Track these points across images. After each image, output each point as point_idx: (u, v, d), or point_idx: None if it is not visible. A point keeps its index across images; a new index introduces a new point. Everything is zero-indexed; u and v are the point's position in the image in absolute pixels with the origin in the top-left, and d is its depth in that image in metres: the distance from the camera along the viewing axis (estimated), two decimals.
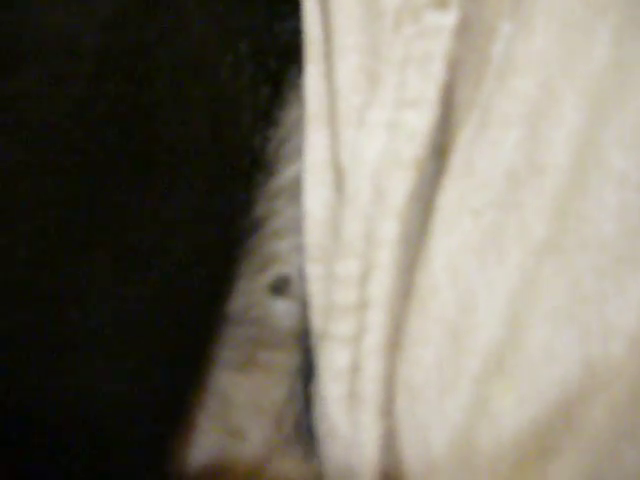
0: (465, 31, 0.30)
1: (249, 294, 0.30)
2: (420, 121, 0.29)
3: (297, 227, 0.31)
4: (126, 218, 0.26)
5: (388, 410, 0.28)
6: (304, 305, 0.30)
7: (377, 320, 0.28)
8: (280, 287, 0.31)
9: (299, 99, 0.33)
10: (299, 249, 0.31)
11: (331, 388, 0.29)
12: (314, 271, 0.30)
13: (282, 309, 0.31)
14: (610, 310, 0.25)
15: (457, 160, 0.29)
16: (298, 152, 0.32)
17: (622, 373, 0.24)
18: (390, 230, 0.28)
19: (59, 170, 0.25)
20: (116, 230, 0.26)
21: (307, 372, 0.30)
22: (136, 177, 0.27)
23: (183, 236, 0.27)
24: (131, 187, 0.27)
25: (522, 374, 0.25)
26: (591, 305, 0.25)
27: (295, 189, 0.32)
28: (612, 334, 0.24)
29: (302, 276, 0.30)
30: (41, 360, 0.25)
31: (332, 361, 0.29)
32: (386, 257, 0.28)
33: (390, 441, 0.28)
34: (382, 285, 0.28)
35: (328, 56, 0.33)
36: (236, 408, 0.30)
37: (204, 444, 0.30)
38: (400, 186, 0.28)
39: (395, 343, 0.28)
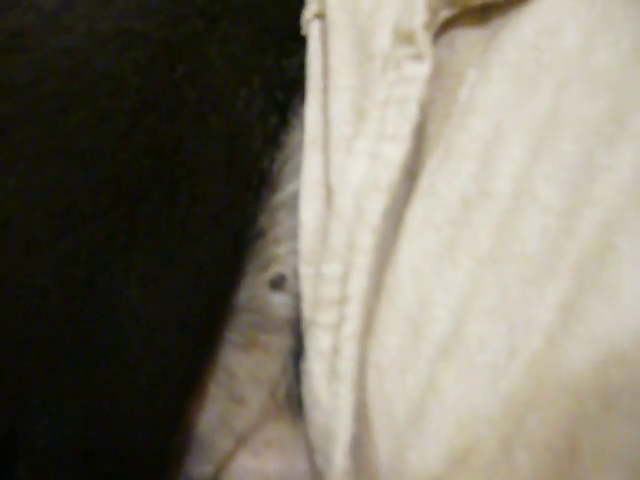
0: (437, 77, 0.36)
1: (252, 288, 0.37)
2: (396, 153, 0.35)
3: (294, 235, 0.37)
4: (158, 228, 0.32)
5: (361, 385, 0.34)
6: (297, 298, 0.36)
7: (354, 312, 0.34)
8: (278, 283, 0.37)
9: (301, 124, 0.39)
10: (295, 253, 0.37)
11: (315, 366, 0.34)
12: (306, 271, 0.36)
13: (279, 301, 0.37)
14: (531, 310, 0.30)
15: (424, 183, 0.34)
16: (297, 171, 0.38)
17: (539, 360, 0.30)
18: (367, 240, 0.34)
19: (108, 191, 0.31)
20: (150, 237, 0.32)
21: (298, 353, 0.36)
22: (165, 197, 0.33)
23: (203, 243, 0.33)
24: (161, 205, 0.33)
25: (461, 358, 0.31)
26: (517, 306, 0.31)
27: (294, 203, 0.37)
28: (532, 329, 0.30)
29: (296, 275, 0.36)
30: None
31: (317, 344, 0.34)
32: (363, 262, 0.34)
33: (362, 411, 0.33)
34: (359, 284, 0.34)
35: (326, 90, 0.38)
36: (239, 380, 0.37)
37: (213, 408, 0.36)
38: (376, 206, 0.34)
39: (368, 331, 0.33)
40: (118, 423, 0.31)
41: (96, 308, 0.30)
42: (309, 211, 0.36)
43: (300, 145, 0.38)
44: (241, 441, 0.37)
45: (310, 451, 0.36)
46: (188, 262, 0.33)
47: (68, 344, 0.30)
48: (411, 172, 0.35)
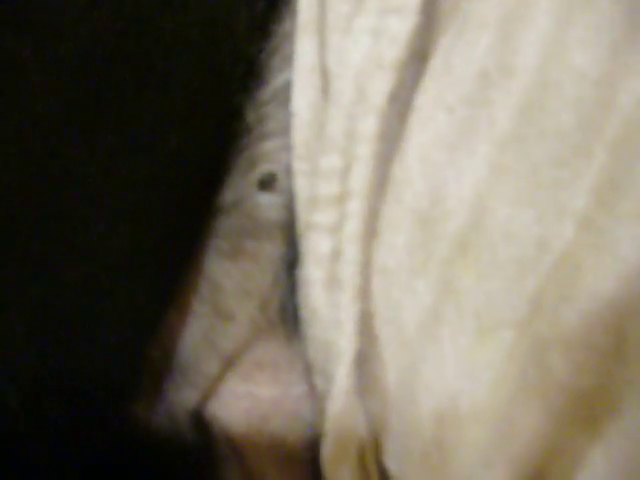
0: None
1: (239, 189, 0.32)
2: (402, 26, 0.30)
3: (285, 129, 0.33)
4: (126, 108, 0.28)
5: (365, 293, 0.30)
6: (289, 199, 0.32)
7: (356, 210, 0.30)
8: (267, 182, 0.32)
9: (292, 13, 0.35)
10: (286, 149, 0.33)
11: (313, 272, 0.30)
12: (300, 167, 0.32)
13: (268, 203, 0.32)
14: (564, 195, 0.26)
15: (436, 62, 0.30)
16: (288, 61, 0.33)
17: (570, 252, 0.26)
18: (370, 126, 0.30)
19: (71, 66, 0.27)
20: (117, 117, 0.28)
21: (291, 260, 0.32)
22: (135, 74, 0.29)
23: (178, 128, 0.29)
24: (131, 83, 0.28)
25: (483, 253, 0.27)
26: (548, 190, 0.26)
27: (284, 96, 0.33)
28: (565, 217, 0.26)
29: (288, 172, 0.32)
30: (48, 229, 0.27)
31: (314, 248, 0.31)
32: (365, 151, 0.30)
33: (366, 321, 0.30)
34: (361, 177, 0.30)
35: None
36: (225, 293, 0.32)
37: (196, 325, 0.32)
38: (381, 86, 0.30)
39: (372, 231, 0.30)
40: (75, 327, 0.26)
41: (54, 187, 0.25)
42: (303, 100, 0.32)
43: (290, 35, 0.34)
44: (229, 363, 0.32)
45: (308, 372, 0.32)
46: (162, 152, 0.28)
47: (23, 228, 0.25)
48: (421, 52, 0.31)
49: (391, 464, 0.29)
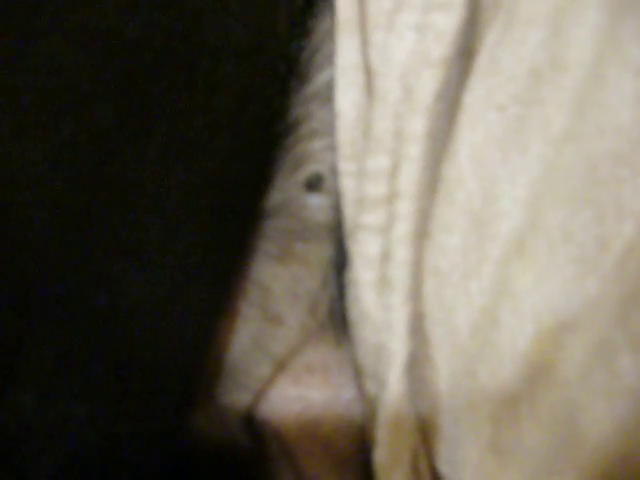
0: None
1: (285, 190, 0.32)
2: (448, 22, 0.30)
3: (329, 128, 0.32)
4: (175, 109, 0.28)
5: (416, 294, 0.29)
6: (336, 200, 0.32)
7: (406, 210, 0.29)
8: (314, 183, 0.32)
9: (331, 9, 0.34)
10: (331, 148, 0.32)
11: (363, 274, 0.30)
12: (346, 167, 0.31)
13: (316, 204, 0.32)
14: (625, 193, 0.26)
15: (483, 59, 0.29)
16: (329, 59, 0.33)
17: (634, 249, 0.25)
18: (419, 125, 0.29)
19: (118, 69, 0.26)
20: (167, 119, 0.27)
21: (340, 263, 0.32)
22: (182, 75, 0.28)
23: (227, 129, 0.29)
24: (178, 84, 0.28)
25: (541, 254, 0.26)
26: (607, 188, 0.26)
27: (327, 94, 0.33)
28: (625, 215, 0.25)
29: (334, 173, 0.32)
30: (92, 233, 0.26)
31: (364, 249, 0.30)
32: (415, 151, 0.29)
33: (418, 324, 0.29)
34: (411, 177, 0.29)
35: None
36: (274, 296, 0.32)
37: (245, 329, 0.32)
38: (428, 84, 0.29)
39: (423, 232, 0.29)
40: (140, 336, 0.26)
41: (106, 198, 0.25)
42: (347, 100, 0.32)
43: (330, 32, 0.33)
44: (279, 366, 0.32)
45: (358, 376, 0.32)
46: (213, 154, 0.28)
47: (76, 240, 0.25)
48: (466, 49, 0.30)
49: (445, 469, 0.29)
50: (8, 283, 0.25)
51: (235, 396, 0.32)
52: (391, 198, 0.30)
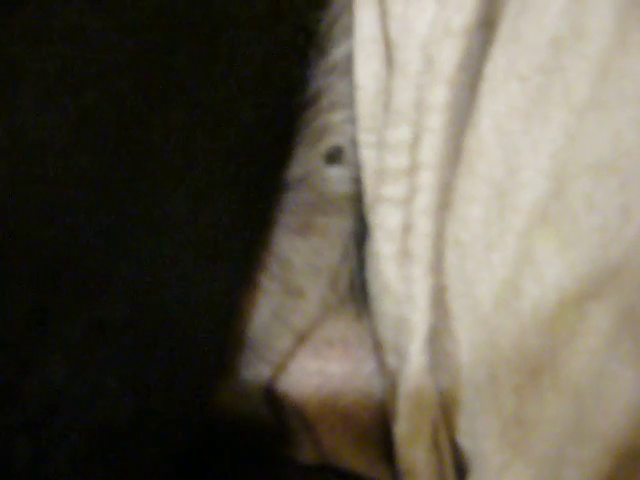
0: None
1: (306, 163, 0.32)
2: None
3: (349, 101, 0.32)
4: (196, 80, 0.27)
5: (438, 266, 0.29)
6: (357, 172, 0.32)
7: (428, 181, 0.29)
8: (334, 155, 0.32)
9: None
10: (351, 121, 0.32)
11: (384, 246, 0.30)
12: (366, 139, 0.31)
13: (336, 176, 0.32)
14: None
15: (504, 30, 0.29)
16: (347, 32, 0.33)
17: None
18: (440, 95, 0.29)
19: (134, 38, 0.26)
20: (189, 90, 0.27)
21: (361, 235, 0.32)
22: (203, 47, 0.28)
23: (246, 102, 0.29)
24: (199, 54, 0.28)
25: (564, 223, 0.26)
26: (631, 156, 0.25)
27: (346, 66, 0.32)
28: None
29: (354, 145, 0.32)
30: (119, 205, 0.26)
31: (384, 221, 0.30)
32: (436, 121, 0.29)
33: (439, 296, 0.29)
34: (432, 148, 0.29)
35: None
36: (294, 269, 0.32)
37: (266, 302, 0.32)
38: (450, 53, 0.29)
39: (444, 203, 0.29)
40: (169, 311, 0.26)
41: (132, 168, 0.25)
42: (366, 72, 0.31)
43: (348, 4, 0.33)
44: (300, 339, 0.32)
45: (378, 349, 0.31)
46: (233, 122, 0.28)
47: (104, 211, 0.25)
48: (487, 19, 0.30)
49: (465, 442, 0.29)
50: (37, 256, 0.25)
51: (257, 369, 0.32)
52: (412, 169, 0.29)
